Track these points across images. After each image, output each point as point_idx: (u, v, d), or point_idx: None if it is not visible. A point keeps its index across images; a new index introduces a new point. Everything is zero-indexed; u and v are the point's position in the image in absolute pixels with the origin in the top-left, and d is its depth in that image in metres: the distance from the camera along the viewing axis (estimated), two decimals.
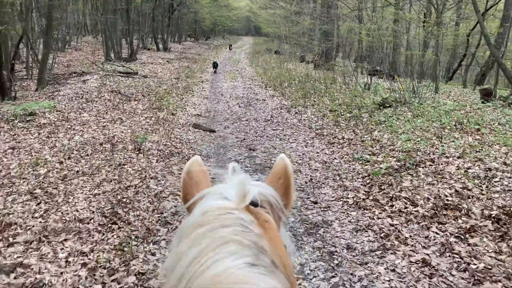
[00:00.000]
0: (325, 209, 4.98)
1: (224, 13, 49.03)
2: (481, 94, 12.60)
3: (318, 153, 7.36)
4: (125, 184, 5.54)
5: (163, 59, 23.38)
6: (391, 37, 19.66)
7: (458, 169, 5.88)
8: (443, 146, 6.85)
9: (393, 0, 19.51)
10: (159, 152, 7.04)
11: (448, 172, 5.79)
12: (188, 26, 45.50)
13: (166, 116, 9.75)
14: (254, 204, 0.71)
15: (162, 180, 5.84)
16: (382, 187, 5.48)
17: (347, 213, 4.85)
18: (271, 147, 7.83)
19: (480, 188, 5.16)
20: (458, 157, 6.32)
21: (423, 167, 6.07)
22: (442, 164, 6.12)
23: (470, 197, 4.91)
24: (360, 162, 6.65)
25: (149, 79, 15.33)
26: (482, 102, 12.17)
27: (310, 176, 6.12)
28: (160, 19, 32.81)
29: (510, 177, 5.39)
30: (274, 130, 9.22)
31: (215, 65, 21.23)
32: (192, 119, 10.04)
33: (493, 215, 4.35)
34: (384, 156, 6.72)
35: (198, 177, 0.85)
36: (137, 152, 6.88)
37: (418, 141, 7.27)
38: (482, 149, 6.64)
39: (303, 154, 7.29)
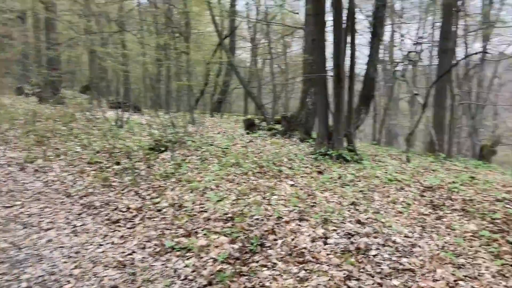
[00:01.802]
0: None
1: None
2: (245, 124, 12.03)
3: (101, 245, 4.58)
4: None
5: None
6: (121, 64, 17.73)
7: (313, 241, 4.33)
8: (271, 204, 5.26)
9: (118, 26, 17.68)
10: None
11: (306, 249, 4.16)
12: None
13: None
14: None
15: None
16: None
17: None
18: (13, 246, 4.55)
19: (368, 273, 3.70)
20: (300, 219, 4.82)
21: (270, 247, 4.26)
22: (289, 236, 4.46)
23: None
24: (178, 252, 4.31)
25: None
26: (248, 133, 11.59)
27: None
28: None
29: (383, 245, 4.16)
30: (7, 208, 5.75)
31: None
32: None
33: None
34: (206, 234, 4.60)
35: None
36: None
37: (236, 200, 5.47)
38: (315, 202, 5.37)
39: (76, 253, 4.39)
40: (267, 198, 5.48)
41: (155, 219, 5.17)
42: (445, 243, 4.19)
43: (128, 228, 4.99)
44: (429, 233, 4.47)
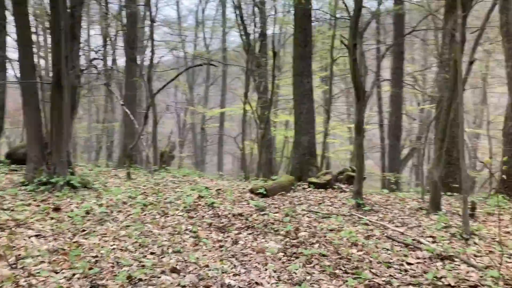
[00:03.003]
0: None
1: None
2: None
3: None
4: None
5: None
6: None
7: None
8: (34, 275, 3.46)
9: None
10: None
11: None
12: None
13: None
14: None
15: None
16: None
17: None
18: None
19: None
20: (93, 287, 3.37)
21: None
22: None
23: None
24: None
25: None
26: None
27: None
28: None
29: None
30: None
31: None
32: None
33: None
34: None
35: None
36: None
37: None
38: (96, 256, 3.92)
39: None
40: (19, 266, 3.59)
41: None
42: (281, 273, 3.82)
43: None
44: (249, 264, 3.99)
